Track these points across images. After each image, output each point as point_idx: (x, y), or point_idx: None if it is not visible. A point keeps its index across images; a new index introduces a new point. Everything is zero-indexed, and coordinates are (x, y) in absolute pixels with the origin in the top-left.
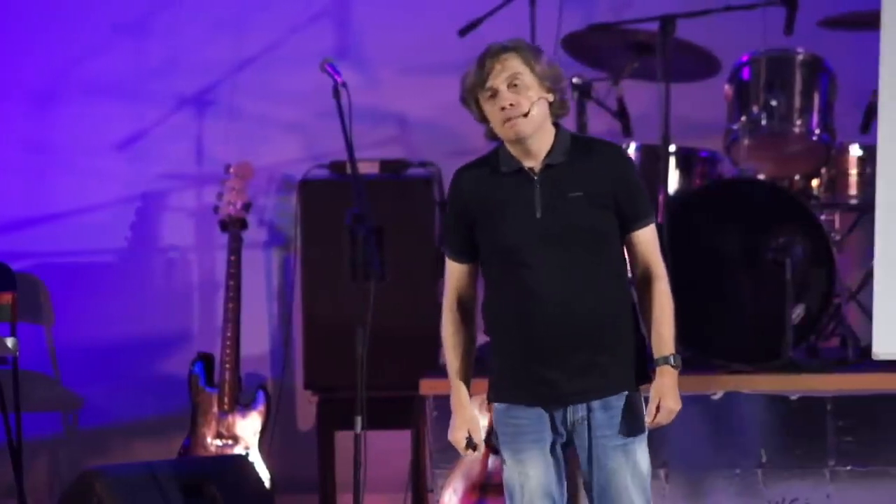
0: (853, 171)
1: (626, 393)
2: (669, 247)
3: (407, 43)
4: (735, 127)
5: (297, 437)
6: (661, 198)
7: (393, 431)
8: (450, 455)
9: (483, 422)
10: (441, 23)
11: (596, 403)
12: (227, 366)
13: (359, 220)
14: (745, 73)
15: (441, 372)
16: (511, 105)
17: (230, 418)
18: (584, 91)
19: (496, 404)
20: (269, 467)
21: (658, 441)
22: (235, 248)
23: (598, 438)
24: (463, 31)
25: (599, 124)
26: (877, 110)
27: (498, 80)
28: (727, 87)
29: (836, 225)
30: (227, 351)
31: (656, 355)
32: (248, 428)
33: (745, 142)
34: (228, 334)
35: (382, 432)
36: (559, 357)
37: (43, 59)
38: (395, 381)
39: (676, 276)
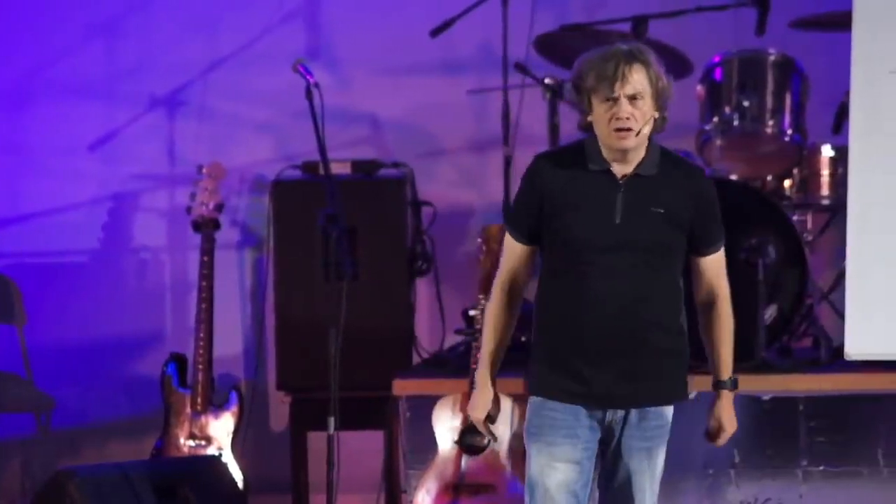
0: (825, 172)
1: (663, 406)
2: None
3: (379, 43)
4: (707, 127)
5: (270, 438)
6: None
7: (366, 432)
8: (423, 456)
9: (455, 422)
10: (413, 23)
11: (633, 408)
12: (200, 366)
13: (331, 220)
14: (718, 74)
15: (413, 372)
16: (628, 118)
17: (203, 419)
18: (555, 91)
19: (533, 397)
20: (242, 468)
21: None
22: (208, 249)
23: (627, 439)
24: (435, 32)
25: (572, 125)
26: (848, 111)
27: (622, 91)
28: (699, 88)
29: (809, 225)
30: (200, 351)
31: (716, 377)
32: (221, 428)
33: (718, 142)
34: (201, 335)
35: (355, 433)
36: (608, 360)
37: (15, 59)
38: (367, 382)
39: None
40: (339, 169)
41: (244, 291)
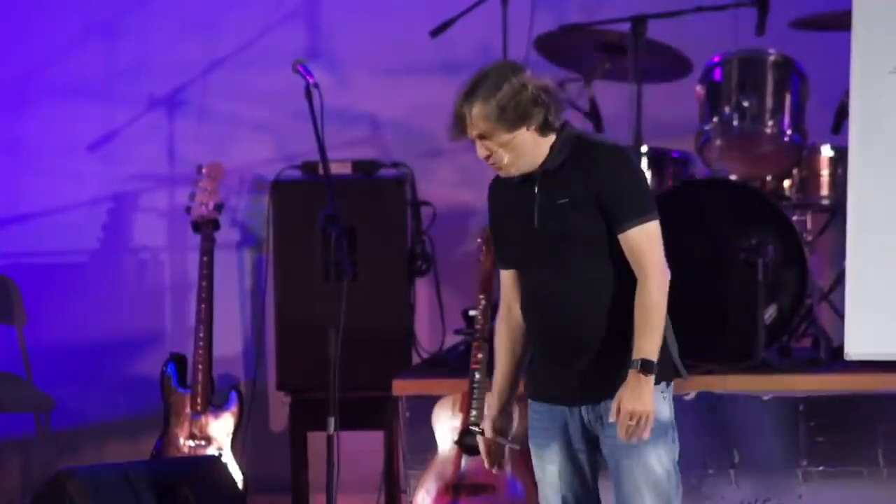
0: (825, 172)
1: None
2: None
3: (379, 43)
4: (707, 128)
5: (269, 438)
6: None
7: (366, 432)
8: (423, 456)
9: (455, 422)
10: (413, 23)
11: (606, 404)
12: (200, 367)
13: (331, 220)
14: (717, 74)
15: (413, 373)
16: (486, 158)
17: (203, 419)
18: None
19: (529, 400)
20: (242, 468)
21: None
22: (208, 249)
23: (611, 438)
24: (435, 32)
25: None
26: (848, 111)
27: (470, 134)
28: (699, 88)
29: (808, 225)
30: (200, 352)
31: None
32: (221, 429)
33: (717, 142)
34: (201, 335)
35: (355, 433)
36: (564, 359)
37: (14, 59)
38: (367, 382)
39: None
40: (339, 169)
41: (244, 291)
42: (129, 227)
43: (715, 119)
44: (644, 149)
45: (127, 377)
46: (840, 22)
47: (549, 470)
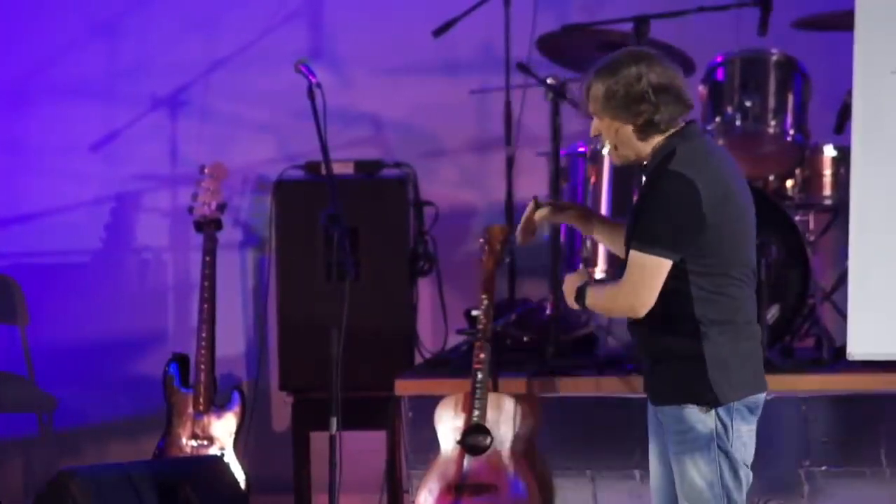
0: (827, 172)
1: (670, 406)
2: None
3: (381, 43)
4: (709, 127)
5: (272, 438)
6: (635, 198)
7: (368, 432)
8: (425, 456)
9: (457, 422)
10: (415, 23)
11: (659, 406)
12: (203, 366)
13: (333, 220)
14: (720, 74)
15: (415, 372)
16: (595, 137)
17: (205, 419)
18: (558, 92)
19: None
20: (245, 468)
21: (633, 442)
22: (210, 249)
23: (668, 441)
24: (437, 32)
25: (574, 125)
26: (850, 111)
27: (587, 112)
28: (701, 88)
29: (811, 225)
30: (202, 352)
31: None
32: (224, 429)
33: (720, 142)
34: (203, 335)
35: (357, 433)
36: (641, 361)
37: (16, 59)
38: (369, 382)
39: None
40: (341, 169)
41: (246, 291)
42: (131, 227)
43: (717, 119)
44: None
45: (129, 377)
46: (842, 22)
47: (650, 465)
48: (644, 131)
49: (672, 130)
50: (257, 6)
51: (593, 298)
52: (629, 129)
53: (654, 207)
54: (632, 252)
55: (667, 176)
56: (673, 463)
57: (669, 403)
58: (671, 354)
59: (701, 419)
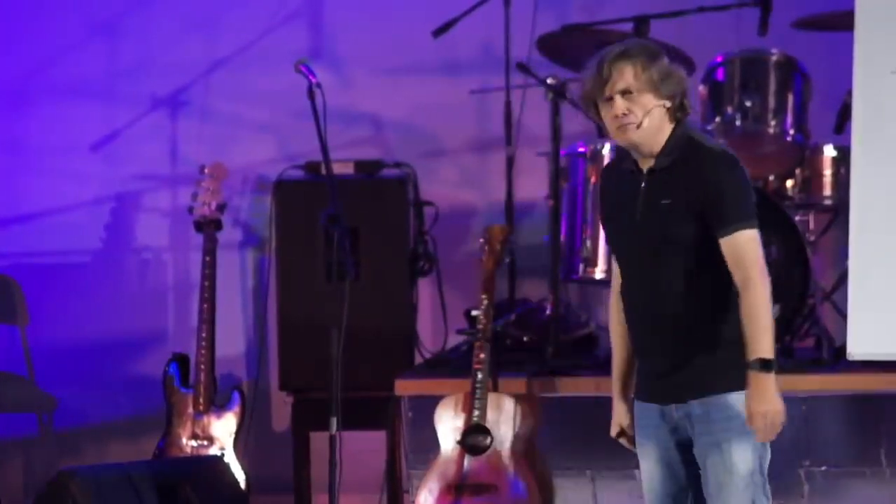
0: (827, 172)
1: (716, 395)
2: None
3: (381, 43)
4: (709, 127)
5: (272, 438)
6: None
7: (368, 432)
8: (425, 456)
9: (457, 423)
10: (415, 23)
11: (693, 402)
12: (202, 366)
13: (333, 220)
14: (720, 74)
15: (415, 373)
16: (624, 114)
17: (205, 419)
18: (558, 92)
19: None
20: (245, 468)
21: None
22: (210, 249)
23: (698, 435)
24: (437, 32)
25: (574, 125)
26: (850, 111)
27: (613, 89)
28: (701, 88)
29: (811, 225)
30: (202, 352)
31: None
32: (224, 429)
33: (720, 142)
34: (203, 335)
35: (357, 433)
36: (653, 356)
37: (16, 59)
38: (369, 382)
39: None
40: (341, 169)
41: (246, 291)
42: (131, 227)
43: (717, 119)
44: None
45: (129, 377)
46: (842, 22)
47: (645, 468)
48: (673, 115)
49: (679, 120)
50: (257, 6)
51: (762, 335)
52: (663, 110)
53: (729, 184)
54: (735, 235)
55: (721, 156)
56: (711, 454)
57: (714, 392)
58: (719, 341)
59: (739, 404)
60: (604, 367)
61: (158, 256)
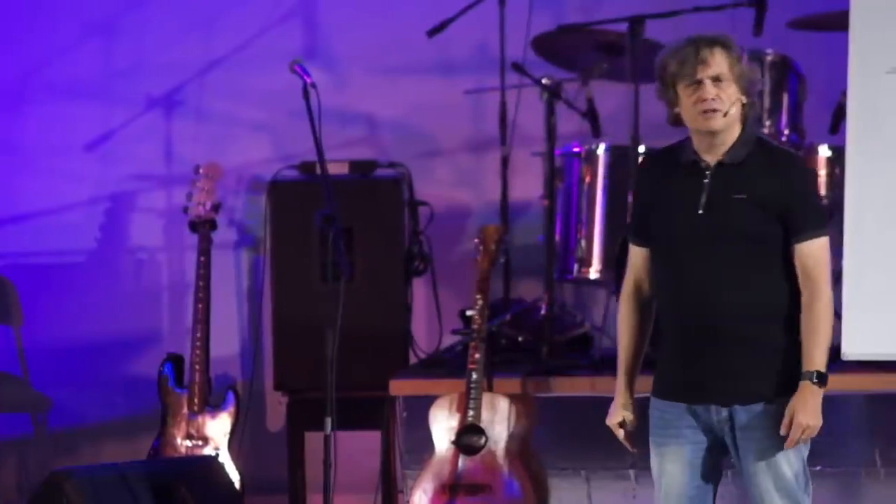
0: (822, 172)
1: (764, 402)
2: None
3: (376, 43)
4: None
5: (266, 438)
6: (630, 198)
7: (363, 432)
8: (419, 456)
9: (452, 422)
10: (410, 23)
11: (738, 407)
12: (197, 367)
13: (328, 220)
14: None
15: (410, 373)
16: (713, 99)
17: (200, 419)
18: (553, 92)
19: (652, 397)
20: (239, 468)
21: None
22: (205, 249)
23: (741, 440)
24: (432, 32)
25: (569, 125)
26: (845, 111)
27: (704, 74)
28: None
29: None
30: (197, 352)
31: (802, 371)
32: (218, 429)
33: None
34: (198, 335)
35: (352, 433)
36: (702, 356)
37: (11, 59)
38: (364, 382)
39: None
40: (336, 169)
41: (241, 292)
42: (126, 228)
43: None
44: (641, 149)
45: (124, 377)
46: (838, 22)
47: (670, 470)
48: (746, 113)
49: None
50: (252, 6)
51: (822, 346)
52: (740, 106)
53: (812, 190)
54: (813, 242)
55: (799, 158)
56: (757, 460)
57: (762, 400)
58: (771, 347)
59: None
60: (599, 367)
61: (153, 256)
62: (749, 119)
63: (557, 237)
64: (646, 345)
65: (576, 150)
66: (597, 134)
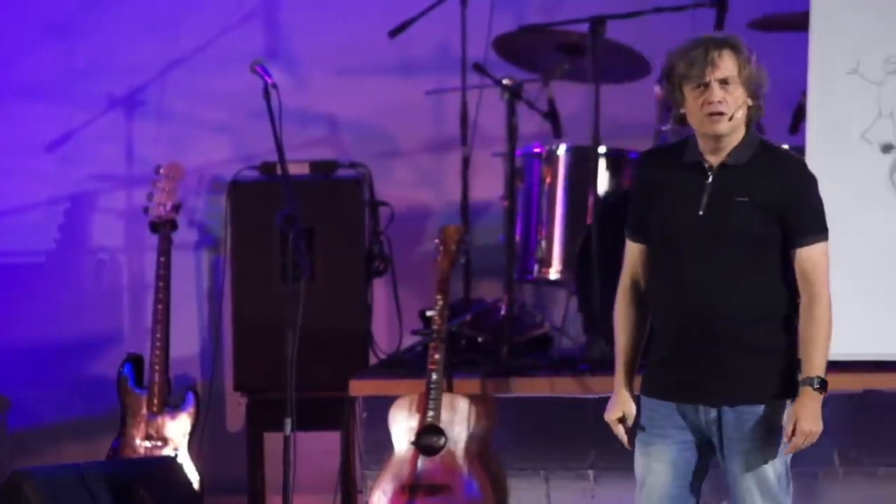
0: None
1: (754, 404)
2: (598, 248)
3: (337, 44)
4: (664, 128)
5: (226, 439)
6: (590, 199)
7: (322, 432)
8: (379, 456)
9: (412, 423)
10: (372, 24)
11: (727, 408)
12: (157, 367)
13: (289, 221)
14: None
15: (370, 373)
16: (720, 102)
17: (159, 420)
18: (514, 92)
19: (641, 396)
20: (199, 469)
21: (587, 442)
22: (165, 249)
23: (727, 441)
24: (393, 33)
25: (530, 125)
26: (805, 111)
27: (713, 76)
28: (657, 89)
29: None
30: (157, 352)
31: (801, 377)
32: (178, 429)
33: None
34: (158, 335)
35: (312, 433)
36: (695, 356)
37: None
38: (324, 382)
39: (605, 278)
40: (297, 169)
41: (201, 292)
42: (86, 228)
43: (666, 126)
44: (602, 149)
45: (84, 378)
46: (798, 23)
47: (656, 469)
48: (752, 116)
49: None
50: (214, 7)
51: (823, 353)
52: (746, 109)
53: (814, 195)
54: (813, 247)
55: (801, 163)
56: (741, 461)
57: (752, 402)
58: (765, 349)
59: (779, 415)
60: (558, 368)
61: (113, 257)
62: (754, 122)
63: (518, 238)
64: (643, 340)
65: (537, 150)
66: (558, 134)
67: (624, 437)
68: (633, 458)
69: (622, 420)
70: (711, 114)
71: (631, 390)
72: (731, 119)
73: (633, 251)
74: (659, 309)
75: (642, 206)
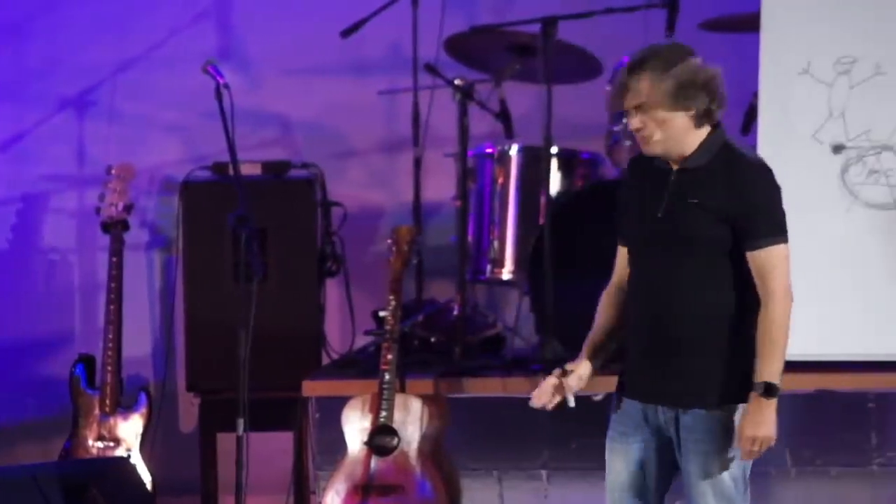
0: None
1: (709, 408)
2: (551, 249)
3: (290, 44)
4: (616, 129)
5: (179, 439)
6: (542, 200)
7: (275, 433)
8: (332, 457)
9: (365, 423)
10: (324, 24)
11: (686, 413)
12: (109, 368)
13: (241, 221)
14: None
15: (323, 373)
16: (639, 129)
17: (112, 420)
18: (466, 93)
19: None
20: (151, 469)
21: (540, 442)
22: (117, 250)
23: (684, 442)
24: (346, 33)
25: (482, 126)
26: (757, 112)
27: (628, 104)
28: (609, 89)
29: None
30: (109, 353)
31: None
32: (130, 430)
33: (627, 143)
34: (110, 336)
35: (265, 434)
36: (649, 356)
37: None
38: (277, 383)
39: (559, 279)
40: (249, 170)
41: (153, 292)
42: (38, 228)
43: (624, 120)
44: (554, 150)
45: (35, 378)
46: (749, 23)
47: (615, 468)
48: (699, 121)
49: (714, 123)
50: (166, 7)
51: (774, 358)
52: (685, 120)
53: (766, 198)
54: (765, 250)
55: (760, 167)
56: (696, 463)
57: (707, 405)
58: (721, 352)
59: (733, 418)
60: (511, 368)
61: (65, 257)
62: (714, 122)
63: (470, 238)
64: (617, 335)
65: (488, 151)
66: (509, 135)
67: (549, 383)
68: (586, 458)
69: (564, 373)
70: (639, 139)
71: (590, 361)
72: (657, 140)
73: (619, 254)
74: (628, 310)
75: (621, 211)
